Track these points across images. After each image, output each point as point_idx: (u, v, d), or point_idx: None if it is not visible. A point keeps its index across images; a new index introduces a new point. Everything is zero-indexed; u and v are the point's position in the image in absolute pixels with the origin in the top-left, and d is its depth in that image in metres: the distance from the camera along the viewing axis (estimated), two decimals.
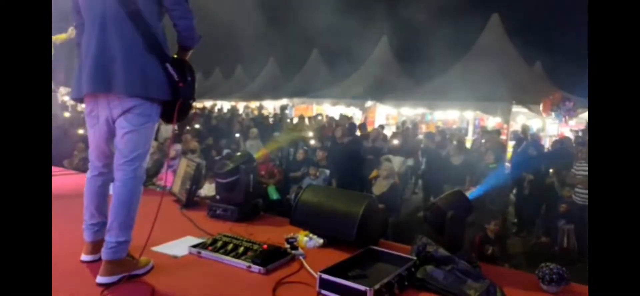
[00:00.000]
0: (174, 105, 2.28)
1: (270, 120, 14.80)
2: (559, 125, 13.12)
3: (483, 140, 9.59)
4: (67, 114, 8.80)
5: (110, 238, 2.20)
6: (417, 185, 10.24)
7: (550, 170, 6.95)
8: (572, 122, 9.78)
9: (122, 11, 2.15)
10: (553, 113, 10.12)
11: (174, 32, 2.31)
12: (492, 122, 13.14)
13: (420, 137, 10.62)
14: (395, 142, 9.42)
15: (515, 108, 11.96)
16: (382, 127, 12.25)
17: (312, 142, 9.69)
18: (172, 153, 7.46)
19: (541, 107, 10.54)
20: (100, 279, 2.17)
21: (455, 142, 8.71)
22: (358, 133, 10.61)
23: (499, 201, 6.67)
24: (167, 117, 2.33)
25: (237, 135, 10.50)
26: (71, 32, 5.11)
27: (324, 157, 7.89)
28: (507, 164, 9.11)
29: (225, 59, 29.81)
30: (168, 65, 2.24)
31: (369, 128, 11.30)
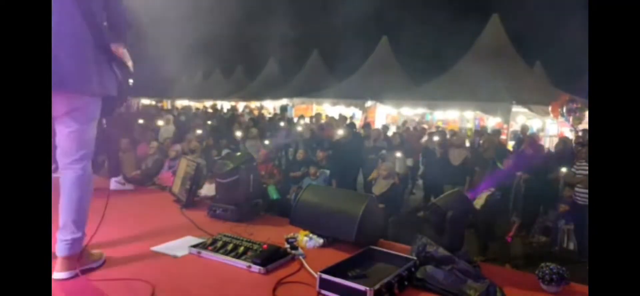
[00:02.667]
0: (112, 100, 2.37)
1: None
2: (558, 125, 13.11)
3: (481, 141, 9.60)
4: None
5: (65, 236, 2.21)
6: (415, 186, 10.25)
7: (563, 169, 6.92)
8: (582, 124, 9.79)
9: (75, 10, 2.13)
10: (562, 116, 10.16)
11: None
12: (492, 122, 13.13)
13: (426, 138, 10.60)
14: (396, 142, 9.43)
15: (515, 108, 11.95)
16: (386, 127, 12.24)
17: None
18: (173, 153, 7.47)
19: (550, 109, 10.56)
20: (56, 275, 2.18)
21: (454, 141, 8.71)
22: (361, 132, 10.64)
23: (513, 202, 6.68)
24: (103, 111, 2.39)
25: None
26: None
27: (324, 156, 7.89)
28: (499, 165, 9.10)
29: (225, 59, 29.83)
30: (113, 64, 2.31)
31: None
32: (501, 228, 6.50)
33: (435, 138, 9.58)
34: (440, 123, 14.96)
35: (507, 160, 7.19)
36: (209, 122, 12.66)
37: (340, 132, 8.88)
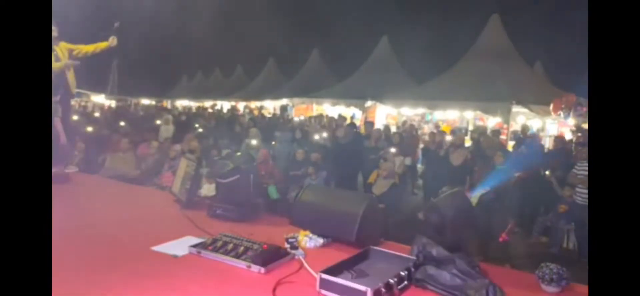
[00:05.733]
0: None
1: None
2: (557, 125, 13.10)
3: (480, 140, 9.60)
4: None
5: None
6: (415, 186, 10.24)
7: (547, 172, 6.95)
8: (585, 126, 9.75)
9: None
10: (562, 114, 10.10)
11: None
12: (492, 122, 13.12)
13: (426, 138, 10.60)
14: (395, 141, 9.43)
15: (515, 108, 11.94)
16: (387, 127, 12.23)
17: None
18: (173, 153, 7.47)
19: (551, 107, 10.52)
20: None
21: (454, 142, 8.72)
22: (361, 128, 10.61)
23: (509, 202, 6.69)
24: None
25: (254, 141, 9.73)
26: (112, 40, 5.16)
27: (318, 158, 7.88)
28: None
29: (225, 59, 29.86)
30: None
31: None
32: (500, 227, 6.48)
33: (448, 137, 9.56)
34: (440, 123, 14.96)
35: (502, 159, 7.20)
36: (196, 125, 12.51)
37: (341, 133, 8.86)
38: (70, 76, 4.95)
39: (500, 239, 6.16)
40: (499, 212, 6.19)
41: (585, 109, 9.24)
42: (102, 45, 5.18)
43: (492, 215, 6.08)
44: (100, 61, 5.34)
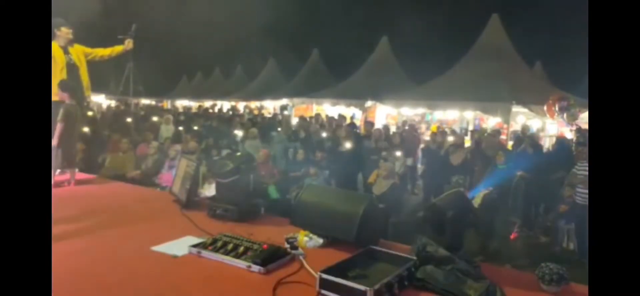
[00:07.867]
0: None
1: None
2: (557, 125, 13.10)
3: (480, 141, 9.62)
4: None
5: None
6: (415, 186, 10.24)
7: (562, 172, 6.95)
8: (578, 121, 9.75)
9: None
10: (558, 115, 10.11)
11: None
12: (492, 122, 13.12)
13: (427, 138, 10.61)
14: (396, 141, 9.43)
15: (515, 108, 11.95)
16: (387, 127, 12.23)
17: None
18: (173, 153, 7.48)
19: (545, 109, 10.54)
20: None
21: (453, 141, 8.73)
22: (361, 128, 10.59)
23: (513, 201, 6.70)
24: None
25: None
26: (128, 43, 5.10)
27: (322, 157, 7.90)
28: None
29: (225, 59, 29.86)
30: None
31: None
32: (501, 227, 6.49)
33: (450, 138, 9.57)
34: (439, 123, 14.96)
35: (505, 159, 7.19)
36: (196, 128, 12.47)
37: (348, 144, 8.80)
38: (84, 77, 4.87)
39: (512, 237, 6.18)
40: (501, 212, 6.20)
41: (571, 102, 9.27)
42: (118, 48, 5.13)
43: (494, 214, 6.09)
44: (100, 63, 5.30)
